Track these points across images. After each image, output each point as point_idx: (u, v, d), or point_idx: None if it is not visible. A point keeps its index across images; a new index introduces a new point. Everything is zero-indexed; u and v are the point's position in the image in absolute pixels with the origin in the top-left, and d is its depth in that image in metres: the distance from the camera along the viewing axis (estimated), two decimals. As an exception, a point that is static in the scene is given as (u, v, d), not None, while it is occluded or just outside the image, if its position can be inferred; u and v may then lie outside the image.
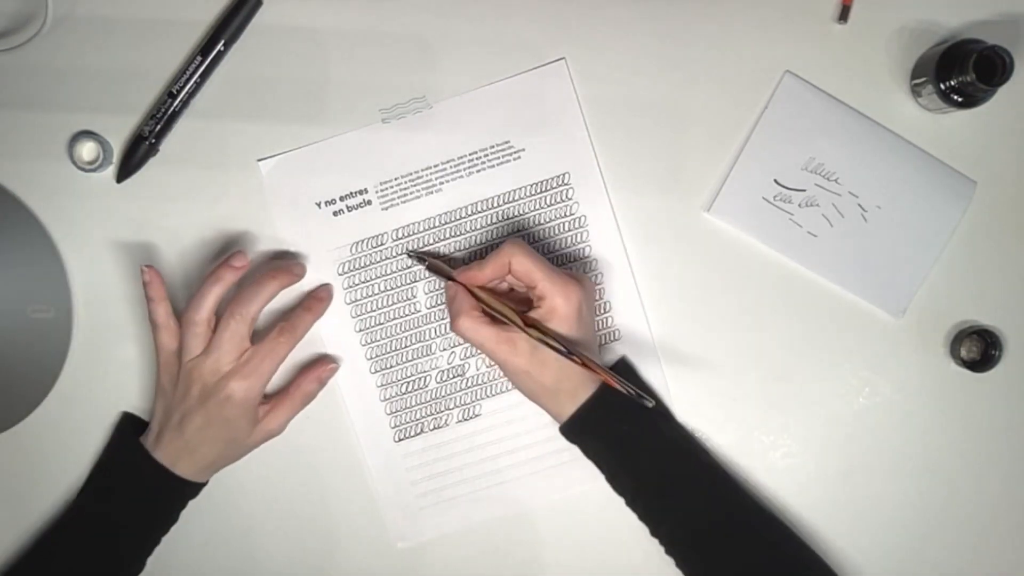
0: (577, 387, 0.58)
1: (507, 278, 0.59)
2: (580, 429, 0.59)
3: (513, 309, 0.57)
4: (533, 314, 0.57)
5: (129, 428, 0.63)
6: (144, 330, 0.64)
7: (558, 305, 0.56)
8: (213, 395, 0.58)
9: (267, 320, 0.62)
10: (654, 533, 0.60)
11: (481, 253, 0.64)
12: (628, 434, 0.59)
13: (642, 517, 0.60)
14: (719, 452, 0.64)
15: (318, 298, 0.63)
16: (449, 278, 0.59)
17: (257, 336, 0.59)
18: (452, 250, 0.64)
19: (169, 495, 0.61)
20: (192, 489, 0.61)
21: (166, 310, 0.60)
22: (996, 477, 0.64)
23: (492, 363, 0.62)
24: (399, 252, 0.64)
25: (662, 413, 0.63)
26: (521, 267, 0.56)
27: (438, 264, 0.61)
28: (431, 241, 0.64)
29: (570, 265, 0.64)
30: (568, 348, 0.55)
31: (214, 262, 0.64)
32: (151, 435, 0.60)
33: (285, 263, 0.63)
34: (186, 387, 0.58)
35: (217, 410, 0.58)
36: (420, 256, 0.63)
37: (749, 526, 0.59)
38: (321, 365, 0.63)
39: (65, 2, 0.63)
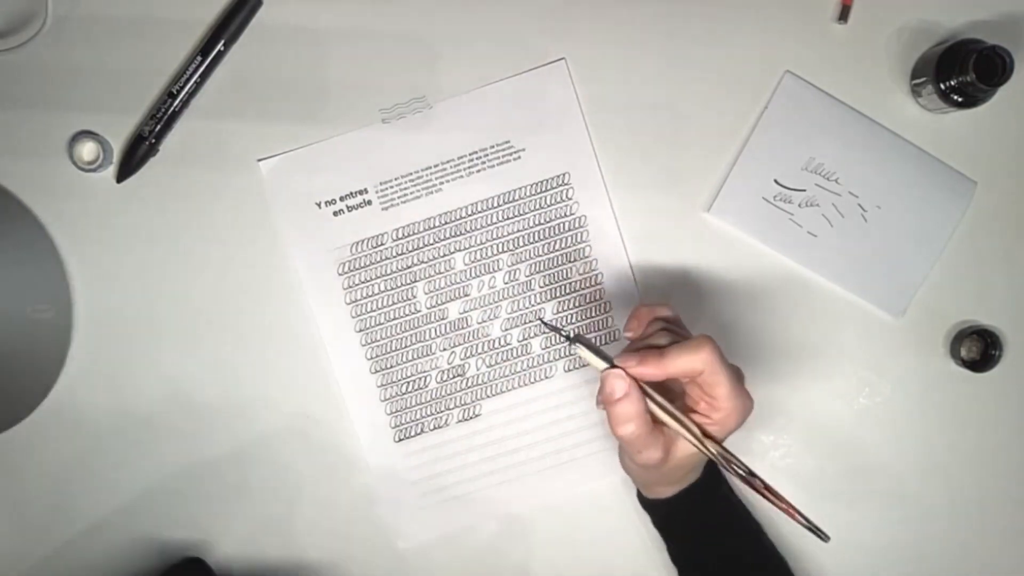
0: (677, 485, 0.56)
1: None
2: (670, 510, 0.57)
3: (691, 423, 0.50)
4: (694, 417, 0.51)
5: None
6: (143, 330, 0.64)
7: (730, 424, 0.50)
8: None
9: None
10: None
11: (484, 253, 0.64)
12: (709, 523, 0.58)
13: None
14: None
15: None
16: (610, 364, 0.50)
17: None
18: (453, 249, 0.64)
19: None
20: None
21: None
22: (996, 477, 0.64)
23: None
24: (399, 252, 0.64)
25: (732, 490, 0.61)
26: (711, 379, 0.49)
27: (592, 345, 0.51)
28: (431, 241, 0.64)
29: (570, 266, 0.64)
30: (757, 481, 0.50)
31: (213, 263, 0.64)
32: None
33: None
34: None
35: None
36: (572, 338, 0.52)
37: None
38: None
39: (65, 2, 0.63)
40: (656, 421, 0.50)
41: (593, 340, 0.53)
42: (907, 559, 0.64)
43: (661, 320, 0.54)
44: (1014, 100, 0.62)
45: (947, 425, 0.64)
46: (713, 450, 0.50)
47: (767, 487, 0.51)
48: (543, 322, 0.58)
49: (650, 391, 0.50)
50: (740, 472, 0.50)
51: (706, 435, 0.50)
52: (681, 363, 0.49)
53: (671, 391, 0.52)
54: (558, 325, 0.58)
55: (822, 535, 0.50)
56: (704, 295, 0.64)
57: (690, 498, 0.56)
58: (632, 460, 0.52)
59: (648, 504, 0.60)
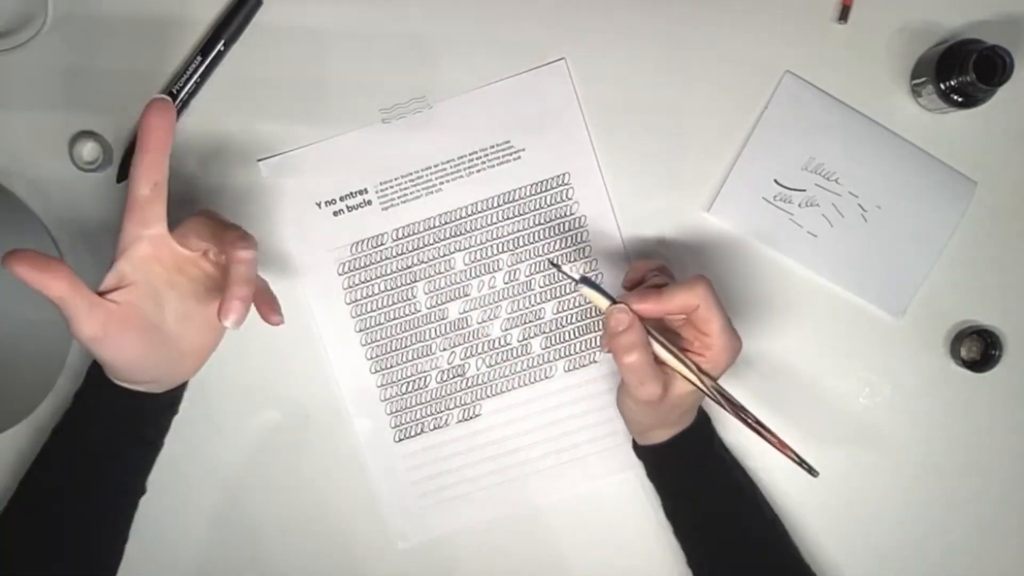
0: (671, 429, 0.58)
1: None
2: (664, 456, 0.59)
3: (691, 363, 0.53)
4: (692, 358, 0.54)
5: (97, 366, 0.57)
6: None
7: (722, 362, 0.54)
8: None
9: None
10: (689, 563, 0.61)
11: (484, 253, 0.64)
12: (703, 474, 0.59)
13: (685, 547, 0.61)
14: (719, 452, 0.64)
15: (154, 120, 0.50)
16: (612, 301, 0.53)
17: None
18: (453, 249, 0.64)
19: (145, 415, 0.56)
20: (166, 404, 0.57)
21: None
22: (996, 477, 0.64)
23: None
24: (399, 252, 0.64)
25: (726, 448, 0.63)
26: (705, 314, 0.52)
27: (597, 286, 0.54)
28: (431, 241, 0.64)
29: (570, 266, 0.64)
30: (749, 417, 0.54)
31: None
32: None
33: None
34: None
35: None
36: (578, 279, 0.54)
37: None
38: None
39: (65, 2, 0.63)
40: (656, 360, 0.53)
41: (598, 280, 0.57)
42: (907, 559, 0.64)
43: (655, 270, 0.57)
44: (1014, 100, 0.62)
45: (947, 425, 0.64)
46: (709, 384, 0.53)
47: (758, 422, 0.54)
48: (552, 263, 0.60)
49: (651, 330, 0.53)
50: (733, 405, 0.54)
51: (702, 372, 0.53)
52: (679, 299, 0.52)
53: (668, 334, 0.55)
54: (563, 266, 0.60)
55: (811, 470, 0.54)
56: (704, 295, 0.64)
57: (683, 443, 0.58)
58: (633, 397, 0.54)
59: (642, 451, 0.61)
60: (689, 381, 0.53)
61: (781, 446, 0.54)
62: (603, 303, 0.53)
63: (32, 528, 0.56)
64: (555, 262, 0.59)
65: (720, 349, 0.53)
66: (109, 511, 0.57)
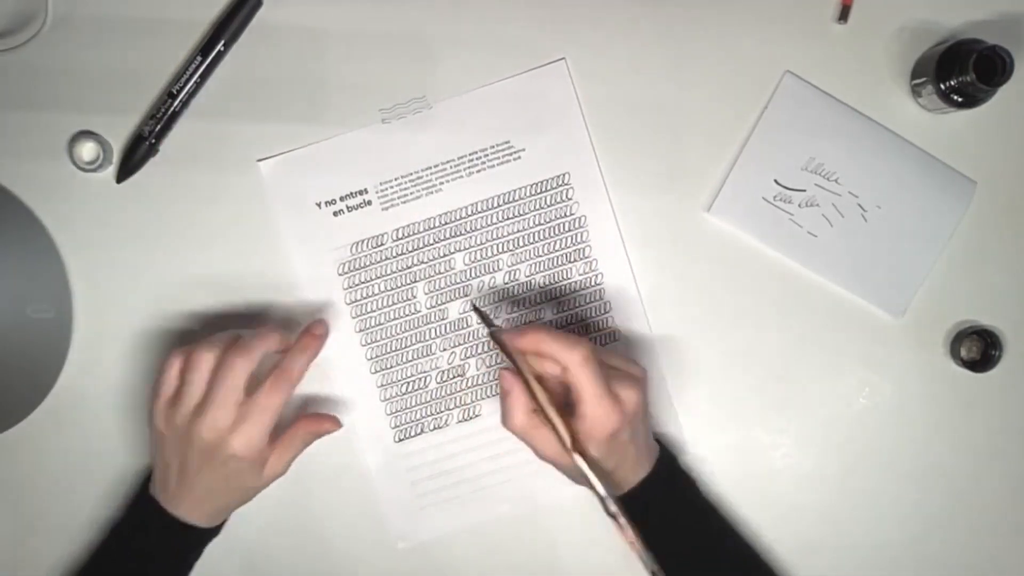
0: (635, 453, 0.56)
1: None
2: (638, 505, 0.57)
3: (569, 428, 0.53)
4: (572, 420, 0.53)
5: (146, 485, 0.60)
6: (143, 330, 0.64)
7: (595, 435, 0.53)
8: (216, 455, 0.55)
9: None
10: None
11: (484, 253, 0.64)
12: (672, 523, 0.58)
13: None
14: (720, 452, 0.64)
15: (313, 335, 0.60)
16: (501, 343, 0.54)
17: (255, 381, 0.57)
18: (453, 249, 0.64)
19: (187, 545, 0.60)
20: (210, 533, 0.60)
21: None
22: (996, 477, 0.64)
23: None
24: (399, 252, 0.64)
25: (689, 479, 0.62)
26: (575, 381, 0.52)
27: (497, 328, 0.56)
28: (431, 241, 0.64)
29: (570, 266, 0.64)
30: (601, 493, 0.52)
31: (213, 263, 0.64)
32: (158, 485, 0.58)
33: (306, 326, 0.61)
34: (186, 444, 0.56)
35: (222, 468, 0.56)
36: (489, 324, 0.57)
37: None
38: (324, 419, 0.61)
39: (65, 2, 0.63)
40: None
41: (496, 323, 0.57)
42: (907, 559, 0.64)
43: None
44: (1014, 100, 0.62)
45: (947, 425, 0.64)
46: (576, 459, 0.52)
47: (613, 512, 0.52)
48: (475, 307, 0.61)
49: (537, 388, 0.53)
50: (597, 492, 0.52)
51: (576, 441, 0.52)
52: (552, 347, 0.52)
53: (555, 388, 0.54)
54: (486, 314, 0.60)
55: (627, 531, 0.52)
56: (704, 295, 0.64)
57: (651, 487, 0.57)
58: (550, 462, 0.55)
59: (622, 503, 0.58)
60: (565, 448, 0.52)
61: (635, 545, 0.52)
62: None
63: None
64: (477, 307, 0.61)
65: (591, 418, 0.52)
66: None
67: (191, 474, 0.56)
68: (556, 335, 0.53)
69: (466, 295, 0.64)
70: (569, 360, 0.52)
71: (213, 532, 0.60)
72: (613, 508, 0.52)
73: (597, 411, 0.52)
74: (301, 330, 0.60)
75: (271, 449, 0.58)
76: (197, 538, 0.59)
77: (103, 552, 0.61)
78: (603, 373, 0.53)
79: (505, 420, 0.54)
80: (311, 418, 0.61)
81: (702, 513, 0.61)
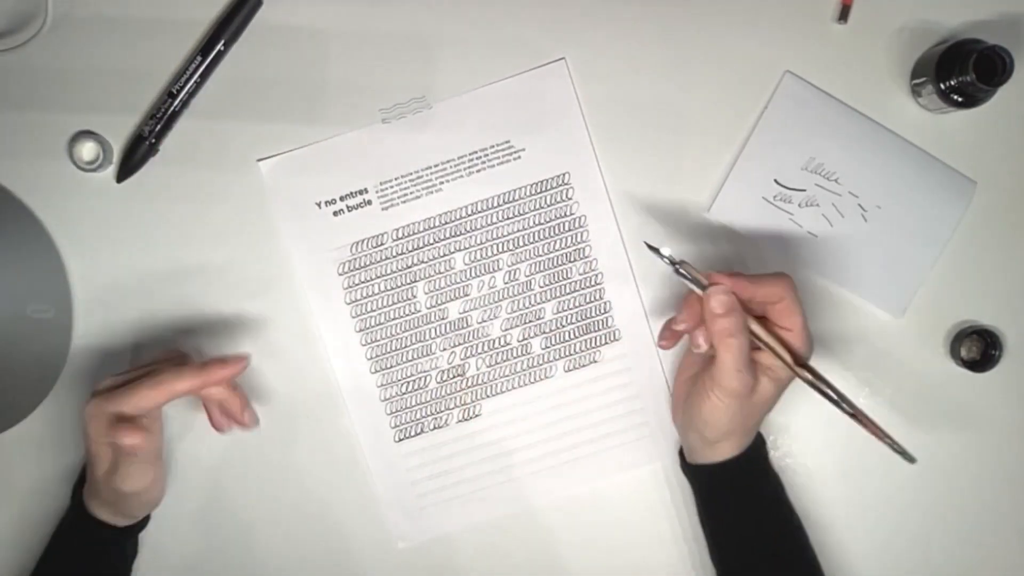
0: (741, 439, 0.57)
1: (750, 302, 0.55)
2: (719, 479, 0.58)
3: (785, 346, 0.54)
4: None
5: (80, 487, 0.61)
6: (143, 330, 0.64)
7: (806, 356, 0.55)
8: (98, 436, 0.56)
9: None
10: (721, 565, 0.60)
11: (484, 253, 0.64)
12: (752, 504, 0.59)
13: (719, 570, 0.60)
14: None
15: (222, 363, 0.56)
16: (702, 285, 0.54)
17: None
18: (453, 249, 0.64)
19: (111, 546, 0.60)
20: (130, 530, 0.61)
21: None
22: (996, 477, 0.64)
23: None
24: (399, 252, 0.64)
25: (782, 488, 0.62)
26: (787, 309, 0.54)
27: (691, 268, 0.55)
28: (431, 241, 0.64)
29: (570, 266, 0.64)
30: (845, 401, 0.54)
31: (213, 263, 0.64)
32: (87, 486, 0.59)
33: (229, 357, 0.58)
34: (84, 430, 0.56)
35: (105, 451, 0.56)
36: (676, 262, 0.55)
37: None
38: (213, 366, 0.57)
39: (65, 2, 0.63)
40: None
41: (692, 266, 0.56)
42: (907, 559, 0.64)
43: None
44: (1014, 100, 0.62)
45: (947, 425, 0.64)
46: (807, 377, 0.54)
47: (856, 409, 0.54)
48: (649, 246, 0.56)
49: (754, 319, 0.54)
50: (831, 391, 0.54)
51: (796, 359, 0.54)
52: (766, 287, 0.54)
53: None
54: (657, 247, 0.57)
55: (910, 457, 0.54)
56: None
57: (745, 463, 0.58)
58: (725, 388, 0.54)
59: (696, 471, 0.59)
60: (786, 364, 0.54)
61: (880, 434, 0.54)
62: (697, 288, 0.54)
63: None
64: (651, 245, 0.56)
65: (803, 342, 0.54)
66: None
67: (91, 462, 0.57)
68: (760, 278, 0.54)
69: (466, 295, 0.64)
70: (785, 292, 0.54)
71: (132, 529, 0.61)
72: (853, 409, 0.54)
73: (804, 336, 0.54)
74: (216, 359, 0.58)
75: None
76: (116, 535, 0.60)
77: (42, 563, 0.61)
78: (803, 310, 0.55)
79: (725, 337, 0.53)
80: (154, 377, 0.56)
81: (780, 509, 0.60)
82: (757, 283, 0.54)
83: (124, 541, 0.61)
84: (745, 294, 0.54)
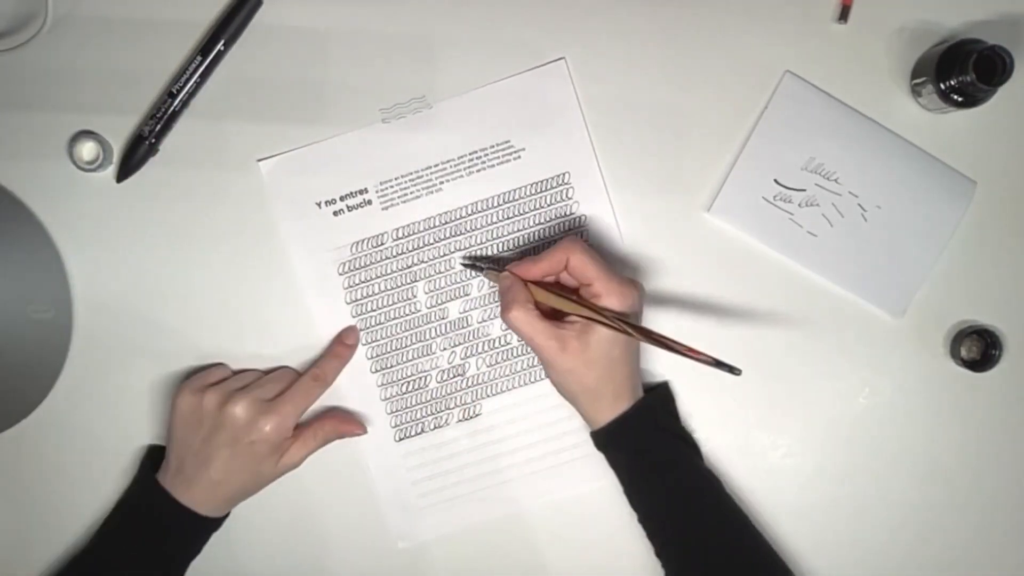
0: (620, 394, 0.58)
1: (561, 275, 0.58)
2: (615, 438, 0.59)
3: (578, 301, 0.56)
4: None
5: (149, 465, 0.62)
6: (143, 330, 0.64)
7: (612, 305, 0.56)
8: (243, 436, 0.58)
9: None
10: (658, 554, 0.59)
11: (485, 251, 0.64)
12: (658, 456, 0.59)
13: (650, 536, 0.60)
14: (719, 452, 0.64)
15: (346, 344, 0.63)
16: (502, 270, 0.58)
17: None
18: (453, 249, 0.64)
19: (194, 536, 0.61)
20: (215, 524, 0.61)
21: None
22: (996, 477, 0.64)
23: (536, 360, 0.61)
24: (399, 252, 0.64)
25: (694, 447, 0.63)
26: (578, 263, 0.56)
27: (492, 265, 0.60)
28: (431, 241, 0.64)
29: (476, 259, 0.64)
30: (654, 335, 0.54)
31: (213, 263, 0.64)
32: (170, 472, 0.60)
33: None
34: (215, 426, 0.59)
35: (246, 450, 0.59)
36: (474, 264, 0.62)
37: (754, 569, 0.58)
38: (350, 422, 0.64)
39: (65, 2, 0.63)
40: (557, 317, 0.56)
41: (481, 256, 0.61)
42: (907, 559, 0.64)
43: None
44: (1014, 100, 0.62)
45: (947, 425, 0.64)
46: (613, 322, 0.54)
47: (664, 338, 0.54)
48: (463, 263, 0.63)
49: (537, 288, 0.57)
50: (635, 329, 0.54)
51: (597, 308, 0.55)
52: (549, 259, 0.56)
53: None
54: (477, 262, 0.62)
55: (733, 369, 0.53)
56: (704, 295, 0.64)
57: (634, 417, 0.58)
58: (544, 362, 0.57)
59: (597, 438, 0.60)
60: (587, 317, 0.55)
61: (693, 353, 0.54)
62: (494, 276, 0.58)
63: None
64: (465, 262, 0.62)
65: (607, 295, 0.55)
66: None
67: (212, 456, 0.58)
68: (545, 252, 0.57)
69: (466, 295, 0.64)
70: (569, 252, 0.56)
71: (216, 523, 0.61)
72: (660, 339, 0.54)
73: (610, 286, 0.56)
74: (334, 338, 0.64)
75: (292, 441, 0.61)
76: (203, 526, 0.60)
77: (106, 538, 0.61)
78: (603, 261, 0.56)
79: (504, 313, 0.56)
80: (339, 417, 0.63)
81: (677, 469, 0.60)
82: (539, 259, 0.57)
83: (211, 530, 0.62)
84: (531, 273, 0.57)
